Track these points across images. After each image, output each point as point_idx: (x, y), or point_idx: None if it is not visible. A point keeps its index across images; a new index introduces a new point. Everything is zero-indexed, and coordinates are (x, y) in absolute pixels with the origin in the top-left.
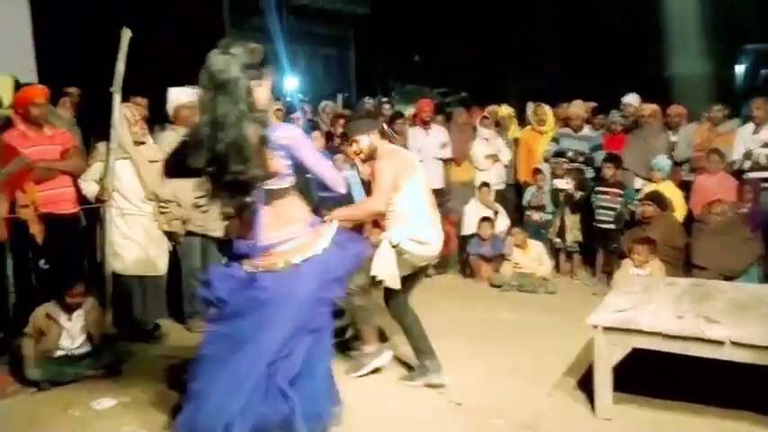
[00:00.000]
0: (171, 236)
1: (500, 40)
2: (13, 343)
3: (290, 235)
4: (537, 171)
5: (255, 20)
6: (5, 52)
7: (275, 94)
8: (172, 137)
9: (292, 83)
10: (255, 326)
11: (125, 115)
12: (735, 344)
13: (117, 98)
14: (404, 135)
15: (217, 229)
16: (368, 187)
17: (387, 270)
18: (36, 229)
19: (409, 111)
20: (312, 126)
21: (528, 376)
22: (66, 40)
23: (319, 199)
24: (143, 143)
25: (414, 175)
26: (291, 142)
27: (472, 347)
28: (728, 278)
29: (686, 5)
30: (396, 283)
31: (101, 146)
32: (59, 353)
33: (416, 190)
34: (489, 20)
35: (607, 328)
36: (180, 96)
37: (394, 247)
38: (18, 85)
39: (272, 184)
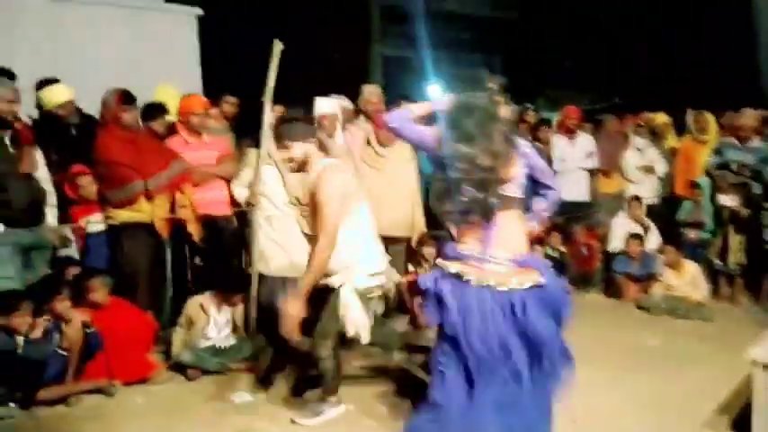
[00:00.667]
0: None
1: (657, 46)
2: (167, 333)
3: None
4: (695, 185)
5: (404, 27)
6: (176, 70)
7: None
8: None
9: (437, 90)
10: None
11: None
12: None
13: (267, 107)
14: (548, 143)
15: None
16: None
17: (361, 322)
18: (193, 229)
19: (556, 118)
20: None
21: (672, 411)
22: (229, 53)
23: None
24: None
25: (361, 197)
26: (531, 152)
27: (612, 375)
28: None
29: None
30: (367, 336)
31: (251, 152)
32: (206, 343)
33: (364, 213)
34: (646, 23)
35: None
36: (324, 106)
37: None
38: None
39: (508, 191)
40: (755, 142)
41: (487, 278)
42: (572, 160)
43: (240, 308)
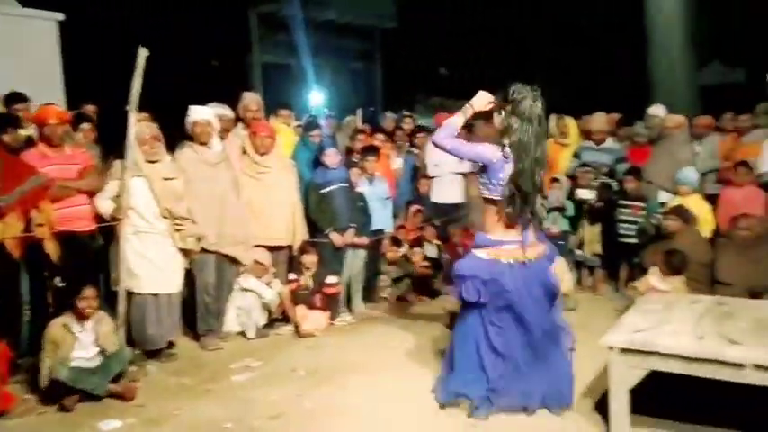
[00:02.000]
0: (186, 253)
1: (526, 53)
2: (26, 362)
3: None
4: (554, 179)
5: (283, 34)
6: (36, 78)
7: (299, 110)
8: (189, 154)
9: (318, 98)
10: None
11: (136, 134)
12: (757, 366)
13: (132, 117)
14: (423, 149)
15: (231, 246)
16: None
17: None
18: (51, 248)
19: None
20: (331, 142)
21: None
22: (91, 61)
23: None
24: (157, 161)
25: None
26: None
27: None
28: (755, 295)
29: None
30: None
31: (117, 164)
32: (73, 364)
33: None
34: (516, 32)
35: (624, 350)
36: (196, 113)
37: None
38: None
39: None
40: (610, 143)
41: (517, 255)
42: (446, 165)
43: (106, 327)
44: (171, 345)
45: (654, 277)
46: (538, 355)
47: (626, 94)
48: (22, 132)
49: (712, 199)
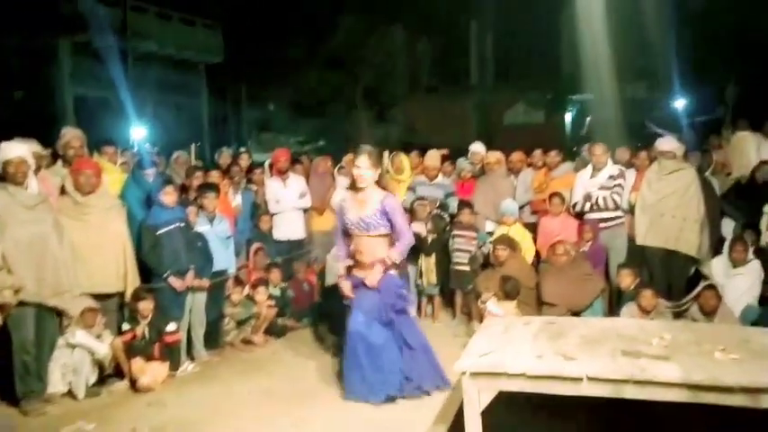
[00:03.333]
0: (0, 308)
1: (353, 90)
2: None
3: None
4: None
5: (99, 66)
6: None
7: (121, 144)
8: (2, 196)
9: (140, 132)
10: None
11: None
12: (591, 379)
13: None
14: (262, 185)
15: (54, 296)
16: None
17: None
18: None
19: (267, 160)
20: (166, 179)
21: (393, 426)
22: None
23: None
24: None
25: None
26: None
27: (332, 403)
28: (576, 313)
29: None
30: None
31: None
32: None
33: None
34: (340, 68)
35: (474, 374)
36: (13, 151)
37: None
38: None
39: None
40: (441, 179)
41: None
42: (287, 201)
43: None
44: None
45: (490, 303)
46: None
47: None
48: None
49: (529, 227)
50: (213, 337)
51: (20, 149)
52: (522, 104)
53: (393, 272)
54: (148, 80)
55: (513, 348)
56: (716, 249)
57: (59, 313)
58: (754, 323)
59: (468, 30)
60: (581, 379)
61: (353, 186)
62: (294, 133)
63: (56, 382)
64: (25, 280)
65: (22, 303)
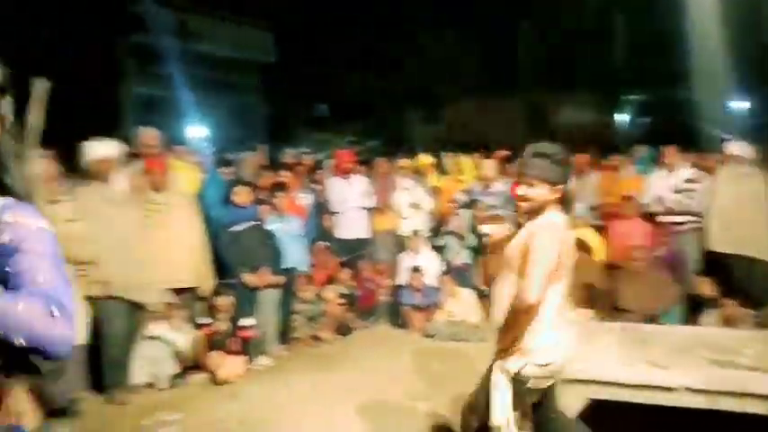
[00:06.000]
0: (90, 301)
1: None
2: None
3: None
4: (453, 200)
5: (157, 66)
6: None
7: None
8: (91, 194)
9: (197, 131)
10: None
11: (37, 173)
12: (688, 389)
13: (32, 154)
14: (323, 185)
15: (139, 291)
16: None
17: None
18: None
19: (327, 160)
20: (239, 179)
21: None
22: None
23: None
24: (58, 202)
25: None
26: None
27: (409, 399)
28: (652, 320)
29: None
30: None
31: None
32: None
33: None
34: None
35: (566, 380)
36: (100, 150)
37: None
38: None
39: None
40: (498, 186)
41: None
42: (351, 200)
43: (19, 403)
44: (75, 402)
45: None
46: None
47: None
48: None
49: (599, 230)
50: (284, 333)
51: (104, 148)
52: (573, 104)
53: None
54: (204, 80)
55: (599, 356)
56: None
57: (142, 307)
58: None
59: (516, 29)
60: (676, 389)
61: None
62: (346, 133)
63: (139, 374)
64: (113, 275)
65: (110, 297)
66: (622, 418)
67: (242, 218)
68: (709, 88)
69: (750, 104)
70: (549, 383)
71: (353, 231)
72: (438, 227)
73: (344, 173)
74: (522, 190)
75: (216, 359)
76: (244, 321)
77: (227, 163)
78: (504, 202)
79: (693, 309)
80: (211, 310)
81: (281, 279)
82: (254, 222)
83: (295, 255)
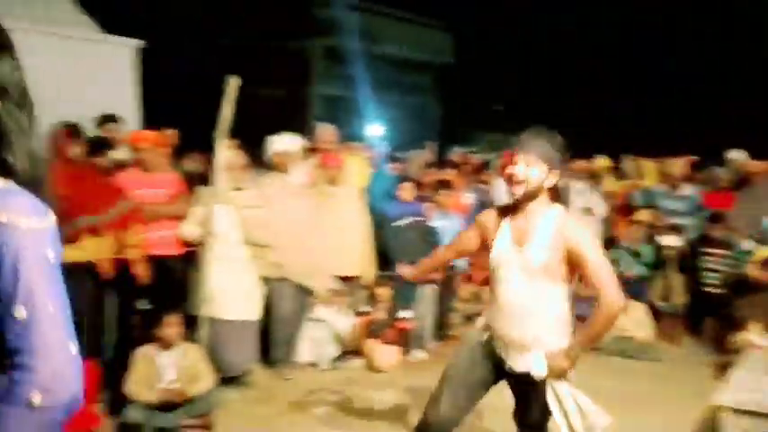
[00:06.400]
0: (265, 281)
1: (588, 90)
2: (110, 382)
3: None
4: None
5: (342, 67)
6: (115, 102)
7: (356, 140)
8: (273, 183)
9: (376, 130)
10: None
11: (227, 161)
12: None
13: (221, 144)
14: (490, 185)
15: (309, 276)
16: None
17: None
18: (141, 270)
19: (495, 161)
20: (404, 176)
21: None
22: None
23: None
24: (242, 189)
25: None
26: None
27: None
28: None
29: None
30: None
31: (203, 190)
32: (154, 395)
33: None
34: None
35: (738, 411)
36: (282, 144)
37: None
38: None
39: None
40: (686, 190)
41: None
42: None
43: (194, 358)
44: (248, 373)
45: (753, 332)
46: None
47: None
48: (115, 154)
49: None
50: (440, 329)
51: (285, 143)
52: None
53: None
54: (384, 80)
55: None
56: None
57: (310, 291)
58: None
59: None
60: None
61: None
62: (518, 134)
63: (303, 353)
64: (287, 259)
65: (283, 279)
66: None
67: (405, 213)
68: None
69: None
70: None
71: None
72: (612, 238)
73: None
74: (520, 169)
75: (373, 347)
76: (402, 313)
77: (396, 159)
78: (689, 208)
79: None
80: (372, 300)
81: (438, 275)
82: (416, 218)
83: None
